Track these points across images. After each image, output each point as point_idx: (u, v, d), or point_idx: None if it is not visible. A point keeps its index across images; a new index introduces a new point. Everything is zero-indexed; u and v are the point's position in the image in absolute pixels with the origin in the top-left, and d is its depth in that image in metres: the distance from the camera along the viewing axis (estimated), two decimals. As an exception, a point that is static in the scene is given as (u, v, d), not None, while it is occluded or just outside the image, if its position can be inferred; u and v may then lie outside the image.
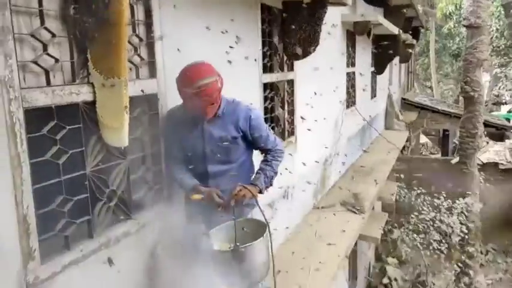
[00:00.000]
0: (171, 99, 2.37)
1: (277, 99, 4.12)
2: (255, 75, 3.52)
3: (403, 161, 11.28)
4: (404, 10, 9.45)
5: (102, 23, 1.74)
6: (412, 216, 7.64)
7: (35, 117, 1.66)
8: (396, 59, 12.41)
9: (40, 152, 1.70)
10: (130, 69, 2.14)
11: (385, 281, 8.85)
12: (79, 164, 1.88)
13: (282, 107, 4.23)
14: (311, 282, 3.51)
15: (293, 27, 3.90)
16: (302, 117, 4.57)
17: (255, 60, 3.45)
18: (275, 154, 2.43)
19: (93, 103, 1.87)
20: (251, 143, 2.38)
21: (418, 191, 8.11)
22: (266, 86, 3.82)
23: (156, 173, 2.37)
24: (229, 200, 2.20)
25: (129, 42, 2.11)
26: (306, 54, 4.04)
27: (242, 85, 3.26)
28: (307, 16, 3.90)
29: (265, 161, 2.43)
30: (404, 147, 12.23)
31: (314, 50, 4.00)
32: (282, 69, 4.15)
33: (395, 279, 8.93)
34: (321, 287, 3.50)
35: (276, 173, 2.43)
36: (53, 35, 1.73)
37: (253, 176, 2.40)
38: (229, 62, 3.06)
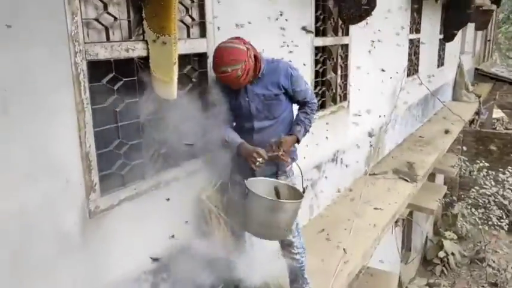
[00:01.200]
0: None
1: (330, 63, 4.15)
2: (306, 38, 3.58)
3: (469, 134, 10.76)
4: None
5: (154, -15, 1.92)
6: (473, 190, 7.37)
7: (96, 68, 1.90)
8: (471, 26, 11.65)
9: (100, 100, 1.95)
10: (182, 28, 2.32)
11: (442, 254, 8.72)
12: (134, 112, 2.12)
13: (335, 71, 4.26)
14: (352, 242, 3.62)
15: (348, -10, 3.86)
16: (350, 84, 4.57)
17: (304, 24, 3.49)
18: (312, 107, 2.58)
19: (146, 58, 2.08)
20: (291, 97, 2.52)
21: (481, 165, 7.76)
22: (318, 50, 3.87)
23: (204, 126, 2.57)
24: (275, 149, 2.37)
25: (181, 3, 2.28)
26: (361, 18, 4.00)
27: (292, 47, 3.35)
28: (363, -21, 3.84)
29: (304, 112, 2.56)
30: (473, 120, 11.62)
31: (369, 14, 3.94)
32: (336, 33, 4.16)
33: (453, 254, 8.77)
34: (361, 247, 3.60)
35: (311, 125, 2.59)
36: (112, -4, 1.94)
37: (294, 126, 2.54)
38: (281, 27, 3.16)
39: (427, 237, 9.10)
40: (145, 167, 2.20)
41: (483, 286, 7.47)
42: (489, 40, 17.26)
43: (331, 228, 3.83)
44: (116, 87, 2.00)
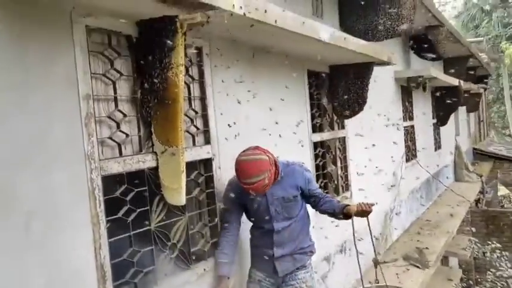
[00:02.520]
0: (224, 162, 2.71)
1: (329, 156, 4.33)
2: (304, 135, 3.79)
3: (477, 214, 10.66)
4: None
5: (162, 103, 2.14)
6: (489, 272, 7.15)
7: (110, 182, 2.04)
8: (463, 109, 12.15)
9: (114, 211, 2.07)
10: (188, 137, 2.52)
11: None
12: (145, 220, 2.22)
13: (334, 164, 4.42)
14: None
15: (340, 89, 4.18)
16: (358, 173, 4.71)
17: (300, 121, 3.71)
18: (326, 197, 2.76)
19: (156, 169, 2.24)
20: (307, 197, 2.72)
21: (493, 245, 7.62)
22: (316, 145, 4.07)
23: (211, 228, 2.66)
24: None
25: (186, 115, 2.50)
26: (354, 113, 4.27)
27: (293, 145, 3.55)
28: (353, 77, 4.17)
29: (329, 201, 2.75)
30: (479, 200, 11.59)
31: (362, 109, 4.21)
32: (332, 128, 4.40)
33: None
34: None
35: None
36: (124, 115, 2.15)
37: (336, 208, 2.71)
38: (278, 123, 3.39)
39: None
40: (157, 272, 2.25)
41: None
42: (482, 120, 17.82)
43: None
44: (128, 198, 2.12)
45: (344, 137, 4.59)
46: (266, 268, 2.66)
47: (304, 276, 2.72)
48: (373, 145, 5.20)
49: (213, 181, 2.67)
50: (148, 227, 2.24)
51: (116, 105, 2.13)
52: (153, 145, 2.26)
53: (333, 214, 2.75)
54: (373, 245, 2.82)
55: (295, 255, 2.69)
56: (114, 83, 2.10)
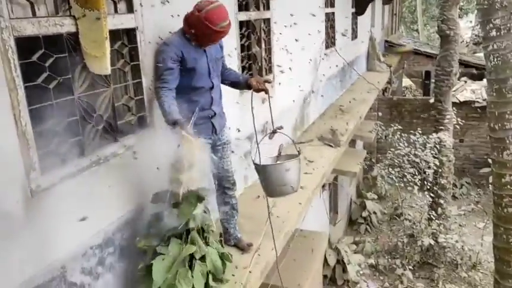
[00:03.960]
0: (149, 33, 2.57)
1: (254, 37, 4.29)
2: (230, 12, 3.66)
3: (383, 102, 11.61)
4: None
5: (79, -42, 1.90)
6: (389, 151, 8.04)
7: (25, 45, 1.86)
8: (379, 1, 12.43)
9: (32, 78, 1.92)
10: (109, 3, 2.31)
11: (365, 214, 9.44)
12: (68, 89, 2.10)
13: (259, 45, 4.41)
14: (285, 205, 3.86)
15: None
16: (279, 65, 4.76)
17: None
18: (231, 69, 3.08)
19: (76, 34, 2.07)
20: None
21: (395, 128, 8.48)
22: (242, 24, 3.98)
23: (137, 102, 2.60)
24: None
25: (106, -23, 2.26)
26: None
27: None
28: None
29: (233, 72, 3.08)
30: (386, 89, 12.52)
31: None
32: (257, 8, 4.29)
33: (374, 213, 9.53)
34: (293, 211, 3.85)
35: None
36: (35, -30, 1.89)
37: (240, 77, 3.07)
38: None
39: (351, 199, 9.78)
40: (84, 143, 2.20)
41: (402, 238, 8.24)
42: (395, 14, 18.46)
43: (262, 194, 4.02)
44: (47, 64, 1.97)
45: (269, 19, 4.53)
46: (206, 129, 2.79)
47: (227, 132, 3.04)
48: (296, 29, 5.22)
49: (138, 54, 2.55)
50: (71, 96, 2.13)
51: (24, -44, 1.85)
52: (70, 7, 2.05)
53: (237, 84, 3.03)
54: (272, 118, 3.06)
55: (221, 113, 2.94)
56: None
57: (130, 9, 2.48)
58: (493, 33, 3.95)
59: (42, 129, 1.98)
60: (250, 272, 2.93)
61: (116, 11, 2.40)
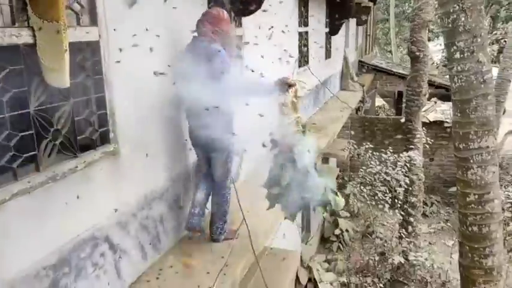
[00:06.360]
0: (114, 47, 2.52)
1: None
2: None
3: (356, 120, 11.78)
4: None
5: (38, -32, 1.86)
6: (361, 170, 8.12)
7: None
8: (353, 22, 12.71)
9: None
10: (71, 15, 2.27)
11: (337, 232, 9.45)
12: (23, 102, 2.03)
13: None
14: (254, 223, 3.81)
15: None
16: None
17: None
18: None
19: (34, 46, 2.00)
20: None
21: (366, 146, 8.58)
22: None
23: (100, 117, 2.54)
24: None
25: (68, -11, 2.22)
26: (250, 12, 4.20)
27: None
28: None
29: None
30: (359, 108, 12.73)
31: (258, 8, 4.15)
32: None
33: (347, 230, 9.55)
34: (263, 227, 3.81)
35: None
36: (-9, -21, 1.84)
37: None
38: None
39: (324, 217, 9.78)
40: (39, 158, 2.12)
41: (373, 256, 8.26)
42: (369, 35, 18.92)
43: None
44: (0, 76, 1.90)
45: (241, 36, 4.55)
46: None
47: None
48: (268, 47, 5.26)
49: (102, 67, 2.50)
50: (27, 110, 2.05)
51: (-22, -35, 1.80)
52: (28, 18, 2.00)
53: None
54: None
55: None
56: None
57: (94, 21, 2.44)
58: (457, 55, 4.07)
59: (-7, 143, 1.90)
60: (214, 292, 2.86)
61: (78, 23, 2.35)
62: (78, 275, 2.34)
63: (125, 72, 2.62)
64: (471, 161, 4.26)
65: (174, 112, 3.21)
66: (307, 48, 7.58)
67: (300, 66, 7.09)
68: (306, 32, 7.48)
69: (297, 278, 7.15)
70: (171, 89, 3.05)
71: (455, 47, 4.06)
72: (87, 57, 2.44)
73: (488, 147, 4.20)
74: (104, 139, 2.57)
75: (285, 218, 3.39)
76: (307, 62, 7.58)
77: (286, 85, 3.03)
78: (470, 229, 4.37)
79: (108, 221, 2.56)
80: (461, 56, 4.05)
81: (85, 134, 2.44)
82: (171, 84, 2.99)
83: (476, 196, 4.29)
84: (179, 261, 3.14)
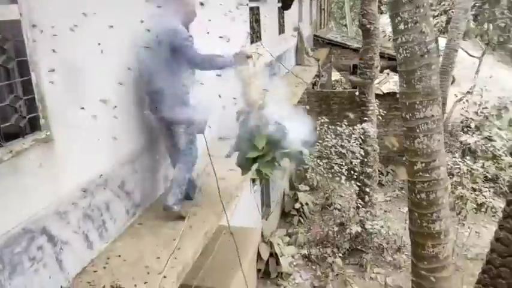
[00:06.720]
0: (38, 27, 2.34)
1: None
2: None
3: (313, 95, 11.85)
4: None
5: None
6: (317, 143, 8.20)
7: None
8: (306, -4, 12.63)
9: None
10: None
11: (297, 206, 9.60)
12: None
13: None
14: (207, 201, 3.77)
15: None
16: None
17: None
18: None
19: None
20: None
21: (322, 121, 8.66)
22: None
23: (28, 102, 2.37)
24: None
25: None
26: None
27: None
28: None
29: None
30: (315, 83, 12.80)
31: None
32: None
33: (307, 204, 9.72)
34: (217, 206, 3.77)
35: None
36: None
37: None
38: None
39: (284, 192, 9.90)
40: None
41: (332, 227, 8.46)
42: (323, 9, 18.93)
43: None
44: None
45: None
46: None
47: None
48: (216, 22, 5.11)
49: (25, 48, 2.32)
50: None
51: None
52: None
53: None
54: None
55: None
56: None
57: (13, -1, 2.24)
58: (401, 26, 4.09)
59: None
60: (164, 277, 2.80)
61: (-6, 1, 2.16)
62: (13, 272, 2.21)
63: (54, 53, 2.45)
64: (417, 130, 4.36)
65: (119, 92, 3.07)
66: (259, 24, 7.46)
67: (252, 42, 6.97)
68: (258, 8, 7.34)
69: (259, 254, 7.23)
70: (114, 67, 2.93)
71: (399, 18, 4.08)
72: (8, 37, 2.26)
73: (433, 116, 4.30)
74: (34, 126, 2.41)
75: (261, 179, 3.88)
76: (259, 38, 7.47)
77: (245, 57, 3.37)
78: (418, 196, 4.50)
79: (44, 212, 2.43)
80: (405, 26, 4.08)
81: (10, 122, 2.27)
82: (113, 63, 2.87)
83: (423, 164, 4.41)
84: (127, 248, 3.05)
